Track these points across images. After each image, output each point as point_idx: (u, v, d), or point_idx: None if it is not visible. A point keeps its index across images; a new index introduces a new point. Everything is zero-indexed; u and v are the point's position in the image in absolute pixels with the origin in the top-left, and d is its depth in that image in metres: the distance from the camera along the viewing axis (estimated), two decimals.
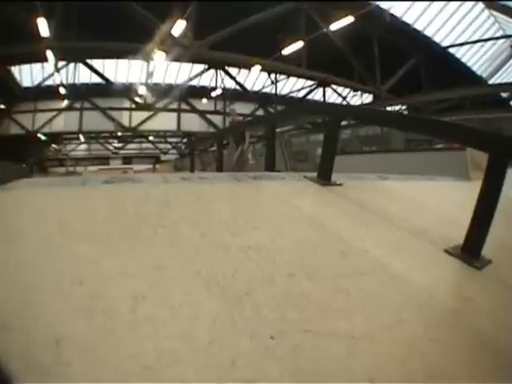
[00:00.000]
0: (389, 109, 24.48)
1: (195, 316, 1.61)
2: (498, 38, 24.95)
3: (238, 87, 30.23)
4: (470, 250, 2.82)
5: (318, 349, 1.62)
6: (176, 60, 23.37)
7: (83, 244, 2.01)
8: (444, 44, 25.49)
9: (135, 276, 1.80)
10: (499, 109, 20.17)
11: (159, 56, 20.20)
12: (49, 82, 27.84)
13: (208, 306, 1.70)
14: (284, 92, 32.57)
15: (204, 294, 1.77)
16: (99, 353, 1.37)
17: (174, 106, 32.16)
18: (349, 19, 19.77)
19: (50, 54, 20.24)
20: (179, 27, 17.61)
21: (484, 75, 28.43)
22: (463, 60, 27.25)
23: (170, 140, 40.93)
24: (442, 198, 4.83)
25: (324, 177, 4.21)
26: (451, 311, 2.21)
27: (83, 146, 42.34)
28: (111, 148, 42.66)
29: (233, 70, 29.62)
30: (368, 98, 30.17)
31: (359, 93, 30.02)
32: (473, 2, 22.52)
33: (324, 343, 1.67)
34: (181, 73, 30.06)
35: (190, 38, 18.57)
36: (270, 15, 19.34)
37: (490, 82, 27.81)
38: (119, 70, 29.12)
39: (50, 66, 25.34)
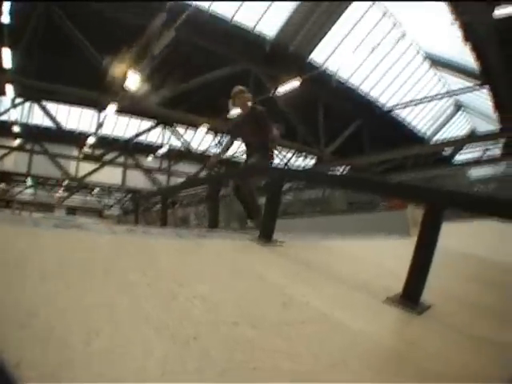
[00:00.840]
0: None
1: (147, 355, 1.68)
2: (442, 96, 25.91)
3: (184, 146, 30.39)
4: (410, 298, 3.01)
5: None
6: (125, 113, 23.45)
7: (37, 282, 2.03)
8: (389, 104, 26.41)
9: (86, 321, 1.84)
10: (441, 166, 20.99)
11: (111, 107, 20.22)
12: (3, 118, 27.16)
13: (159, 348, 1.77)
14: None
15: (154, 337, 1.84)
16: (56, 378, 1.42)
17: (121, 160, 32.05)
18: (295, 83, 20.42)
19: (9, 87, 19.81)
20: (133, 81, 17.69)
21: (428, 133, 29.46)
22: (408, 119, 28.23)
23: (114, 195, 40.46)
24: (383, 254, 5.06)
25: (266, 236, 4.33)
26: (395, 354, 2.34)
27: (30, 191, 41.28)
28: (56, 196, 41.76)
29: (180, 129, 29.86)
30: (312, 161, 30.81)
31: (303, 155, 30.64)
32: (416, 65, 23.56)
33: (271, 378, 1.76)
34: (130, 127, 30.06)
35: (142, 92, 18.70)
36: (219, 75, 19.76)
37: (436, 138, 28.83)
38: (71, 117, 28.79)
39: (6, 100, 24.80)
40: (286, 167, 27.20)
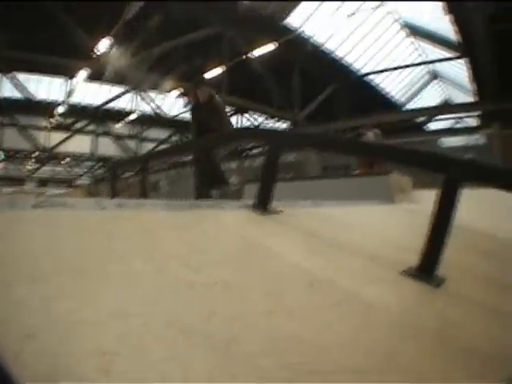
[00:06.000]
0: None
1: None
2: (417, 65, 26.05)
3: (155, 111, 29.92)
4: (426, 270, 2.89)
5: None
6: (97, 80, 23.01)
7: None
8: (364, 70, 26.37)
9: (100, 325, 1.55)
10: (414, 133, 21.28)
11: (81, 74, 19.77)
12: None
13: (192, 363, 1.49)
14: None
15: (182, 347, 1.56)
16: None
17: (91, 128, 31.49)
18: (270, 46, 20.17)
19: None
20: (105, 45, 17.26)
21: (402, 100, 29.63)
22: (382, 85, 28.28)
23: (84, 164, 39.78)
24: (380, 222, 4.95)
25: (263, 205, 3.98)
26: (437, 333, 2.18)
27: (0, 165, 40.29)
28: (27, 169, 40.85)
29: (151, 94, 29.32)
30: (284, 125, 30.66)
31: (276, 119, 30.44)
32: (394, 32, 23.54)
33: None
34: (100, 94, 29.40)
35: (115, 57, 18.25)
36: (193, 39, 19.34)
37: (409, 105, 29.08)
38: (41, 87, 28.05)
39: None
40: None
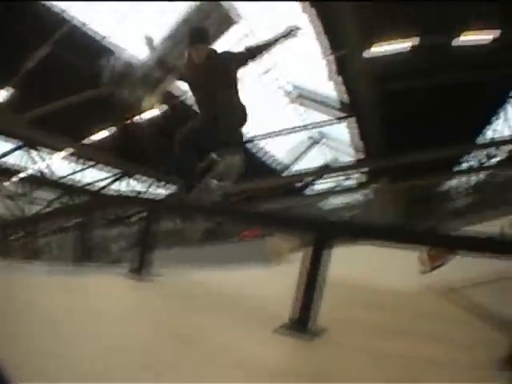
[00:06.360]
0: None
1: None
2: (303, 128, 26.13)
3: (42, 171, 28.76)
4: (299, 324, 3.01)
5: None
6: None
7: None
8: (248, 135, 26.49)
9: None
10: (297, 196, 21.54)
11: None
12: None
13: None
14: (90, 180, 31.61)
15: None
16: None
17: None
18: (159, 110, 20.22)
19: None
20: (2, 96, 16.68)
21: (287, 163, 29.97)
22: (267, 149, 28.42)
23: None
24: (258, 284, 5.09)
25: (140, 270, 4.11)
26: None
27: None
28: None
29: (44, 152, 28.16)
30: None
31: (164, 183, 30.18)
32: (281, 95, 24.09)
33: None
34: None
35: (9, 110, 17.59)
36: (86, 97, 18.97)
37: (294, 168, 29.30)
38: None
39: None
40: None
